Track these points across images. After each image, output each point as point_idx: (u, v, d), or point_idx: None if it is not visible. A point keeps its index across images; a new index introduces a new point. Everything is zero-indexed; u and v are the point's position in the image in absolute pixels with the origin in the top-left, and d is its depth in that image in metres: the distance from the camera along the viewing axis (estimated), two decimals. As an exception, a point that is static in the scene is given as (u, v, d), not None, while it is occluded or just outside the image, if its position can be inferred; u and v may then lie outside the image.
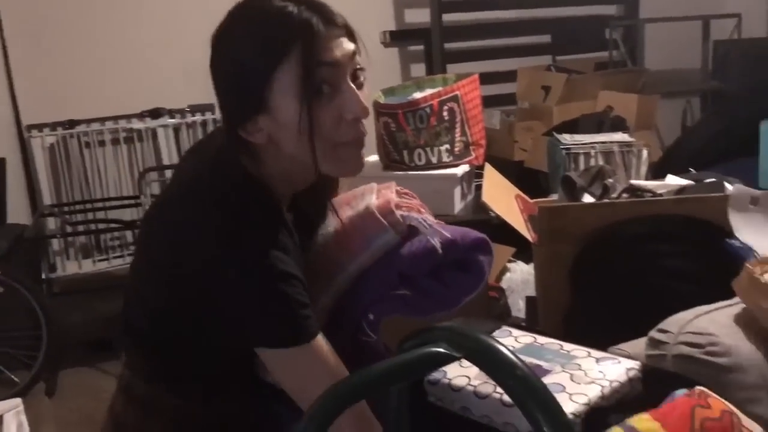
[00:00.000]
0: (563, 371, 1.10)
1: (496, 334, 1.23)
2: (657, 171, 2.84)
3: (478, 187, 2.17)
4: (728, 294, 1.43)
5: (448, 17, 4.04)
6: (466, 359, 0.61)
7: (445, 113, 1.97)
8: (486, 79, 2.90)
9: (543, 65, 4.24)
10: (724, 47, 4.47)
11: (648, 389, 1.11)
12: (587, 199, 1.95)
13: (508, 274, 2.40)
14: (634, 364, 1.13)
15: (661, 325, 1.40)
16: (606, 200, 1.85)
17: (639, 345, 1.48)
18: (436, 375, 1.13)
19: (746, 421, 0.91)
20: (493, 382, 1.07)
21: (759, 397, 1.29)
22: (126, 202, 3.59)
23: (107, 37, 3.62)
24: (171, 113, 3.72)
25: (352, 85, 0.96)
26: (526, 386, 0.57)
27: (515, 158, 3.54)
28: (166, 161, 3.67)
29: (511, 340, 1.19)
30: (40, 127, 3.54)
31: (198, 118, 3.75)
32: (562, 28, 4.48)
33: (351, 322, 1.12)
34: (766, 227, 1.60)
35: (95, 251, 3.59)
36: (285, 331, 0.95)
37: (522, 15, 4.45)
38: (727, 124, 3.42)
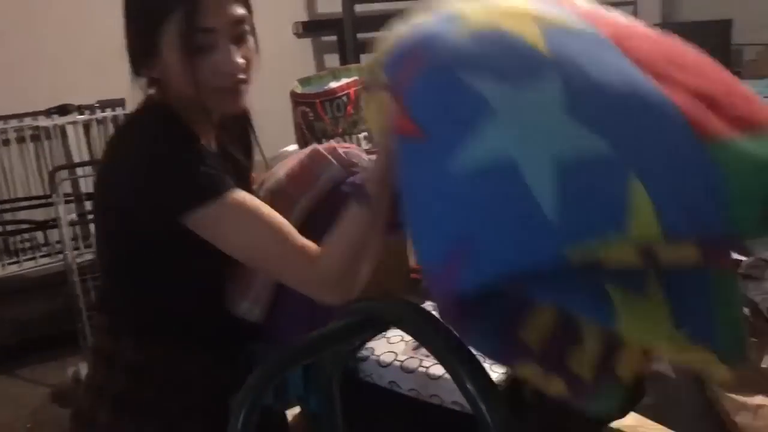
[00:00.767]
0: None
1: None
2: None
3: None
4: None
5: (360, 8, 4.08)
6: (393, 325, 0.66)
7: (362, 102, 2.02)
8: (399, 68, 2.95)
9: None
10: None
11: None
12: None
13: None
14: None
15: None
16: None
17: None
18: (364, 352, 1.19)
19: None
20: (419, 357, 1.15)
21: (659, 356, 1.41)
22: (36, 202, 3.47)
23: (9, 31, 3.47)
24: (80, 109, 3.61)
25: (231, 46, 1.06)
26: (445, 342, 0.63)
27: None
28: (76, 159, 3.56)
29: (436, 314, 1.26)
30: (-62, 126, 3.39)
31: (108, 113, 3.65)
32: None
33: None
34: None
35: (5, 255, 3.46)
36: (198, 187, 1.02)
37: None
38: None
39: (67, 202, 3.13)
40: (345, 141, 2.10)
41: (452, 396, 1.09)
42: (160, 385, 1.15)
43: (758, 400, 1.38)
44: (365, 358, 1.18)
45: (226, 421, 0.87)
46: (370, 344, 1.21)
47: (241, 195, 1.04)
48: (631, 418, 1.22)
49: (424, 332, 0.64)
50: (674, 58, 0.75)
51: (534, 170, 0.62)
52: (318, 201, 1.22)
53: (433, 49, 0.74)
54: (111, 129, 3.66)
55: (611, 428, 1.20)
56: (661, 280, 0.66)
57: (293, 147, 2.31)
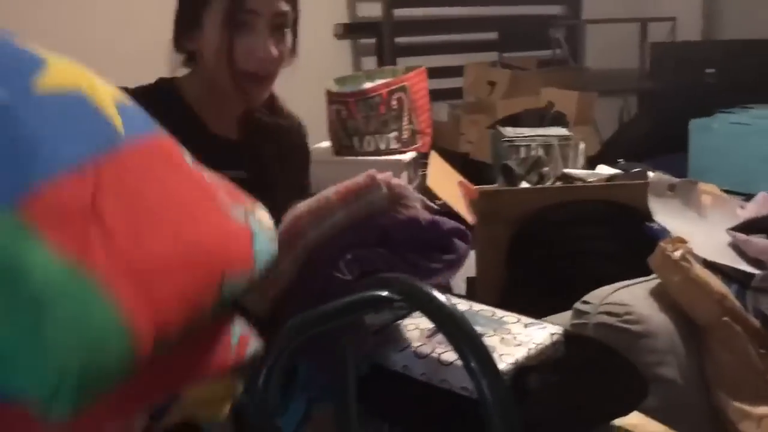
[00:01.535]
0: (494, 335, 1.20)
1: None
2: (593, 164, 3.01)
3: (424, 173, 2.29)
4: (647, 272, 1.58)
5: (399, 12, 4.15)
6: (403, 302, 0.72)
7: (393, 102, 2.09)
8: (434, 73, 3.02)
9: (489, 61, 4.39)
10: (660, 49, 4.69)
11: (569, 351, 1.24)
12: (524, 185, 2.09)
13: (451, 258, 2.52)
14: (557, 329, 1.25)
15: (585, 298, 1.55)
16: (538, 186, 1.99)
17: (565, 317, 1.63)
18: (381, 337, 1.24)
19: None
20: (432, 344, 1.20)
21: (666, 360, 1.44)
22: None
23: (54, 27, 3.60)
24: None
25: (267, 33, 1.14)
26: (454, 323, 0.69)
27: (461, 150, 3.68)
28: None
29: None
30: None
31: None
32: (509, 26, 4.63)
33: (329, 258, 1.21)
34: (680, 211, 1.76)
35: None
36: None
37: (470, 12, 4.60)
38: (660, 121, 3.63)
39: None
40: (376, 139, 2.18)
41: (462, 381, 1.13)
42: None
43: (762, 410, 1.41)
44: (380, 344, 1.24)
45: None
46: (386, 331, 1.27)
47: None
48: (635, 417, 1.25)
49: (431, 308, 0.70)
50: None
51: None
52: (353, 219, 1.22)
53: None
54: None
55: (614, 426, 1.23)
56: None
57: (326, 144, 2.40)
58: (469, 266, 2.60)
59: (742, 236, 1.67)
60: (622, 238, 1.78)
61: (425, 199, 1.33)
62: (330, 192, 1.24)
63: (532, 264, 1.81)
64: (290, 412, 1.19)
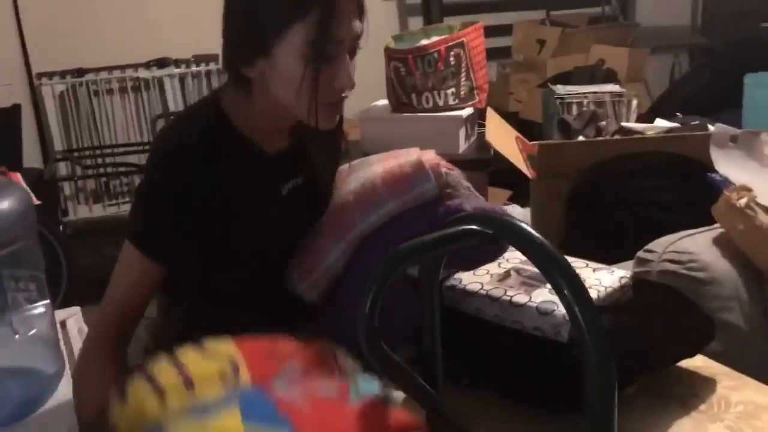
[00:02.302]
0: None
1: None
2: (645, 121, 3.00)
3: (480, 130, 2.32)
4: (708, 222, 1.61)
5: (446, -29, 4.14)
6: (496, 236, 0.77)
7: (451, 59, 2.11)
8: (483, 31, 3.02)
9: (538, 19, 4.35)
10: (713, 3, 4.59)
11: (637, 295, 1.28)
12: (581, 140, 2.11)
13: (504, 215, 2.56)
14: (625, 273, 1.29)
15: (648, 247, 1.58)
16: (598, 139, 2.00)
17: (627, 266, 1.66)
18: (452, 282, 1.29)
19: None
20: (503, 287, 1.25)
21: (731, 306, 1.47)
22: (136, 148, 3.71)
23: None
24: (177, 63, 3.82)
25: (349, 60, 1.04)
26: (543, 253, 0.73)
27: (510, 110, 3.67)
28: (172, 109, 3.78)
29: (516, 254, 1.35)
30: (50, 75, 3.64)
31: (203, 68, 3.85)
32: (557, -18, 4.58)
33: (383, 250, 1.09)
34: (742, 162, 1.77)
35: (105, 197, 3.72)
36: (133, 228, 1.08)
37: (518, -31, 4.55)
38: (713, 77, 3.57)
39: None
40: (434, 96, 2.20)
41: (534, 322, 1.18)
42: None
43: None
44: (452, 287, 1.29)
45: None
46: (458, 275, 1.32)
47: (138, 261, 1.08)
48: (700, 360, 1.28)
49: (525, 241, 0.74)
50: None
51: None
52: (402, 209, 1.23)
53: None
54: (205, 82, 3.86)
55: (679, 367, 1.27)
56: None
57: (383, 102, 2.43)
58: (527, 221, 2.65)
59: (805, 186, 1.68)
60: (683, 189, 1.79)
61: (471, 186, 1.30)
62: (377, 178, 1.24)
63: (593, 216, 1.85)
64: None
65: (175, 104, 3.81)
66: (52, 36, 3.61)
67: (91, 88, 3.66)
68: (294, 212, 1.20)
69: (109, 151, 3.71)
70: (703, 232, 1.60)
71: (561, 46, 3.74)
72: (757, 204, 1.52)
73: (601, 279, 1.25)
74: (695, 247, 1.53)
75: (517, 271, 1.28)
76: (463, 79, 2.16)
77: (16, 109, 3.38)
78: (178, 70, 3.81)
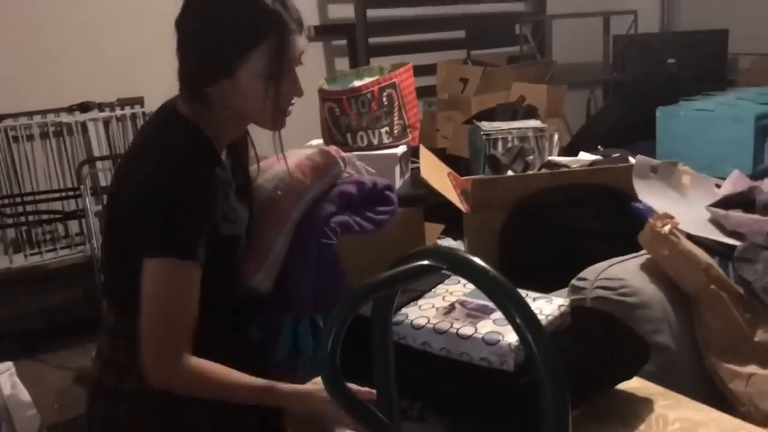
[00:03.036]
0: None
1: (445, 283, 1.43)
2: (567, 153, 3.12)
3: (414, 167, 2.37)
4: (635, 249, 1.69)
5: (371, 13, 4.23)
6: (448, 270, 0.80)
7: (384, 99, 2.16)
8: (409, 71, 3.08)
9: (459, 59, 4.49)
10: (623, 41, 4.85)
11: (575, 321, 1.32)
12: (510, 174, 2.18)
13: (438, 249, 2.60)
14: (564, 301, 1.33)
15: (581, 275, 1.64)
16: (528, 173, 2.08)
17: (561, 295, 1.71)
18: (399, 317, 1.31)
19: None
20: (449, 320, 1.27)
21: (661, 329, 1.55)
22: (60, 194, 3.61)
23: (34, 29, 3.60)
24: (100, 107, 3.75)
25: (295, 71, 1.23)
26: (496, 285, 0.76)
27: (438, 146, 3.75)
28: (96, 154, 3.69)
29: (459, 286, 1.38)
30: (-35, 121, 3.51)
31: (127, 111, 3.79)
32: (476, 24, 4.74)
33: (316, 228, 1.52)
34: (663, 191, 1.87)
35: (27, 245, 3.59)
36: (168, 240, 1.14)
37: (439, 12, 4.70)
38: (626, 110, 3.75)
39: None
40: (369, 135, 2.25)
41: (481, 353, 1.21)
42: None
43: (750, 369, 1.52)
44: (399, 322, 1.31)
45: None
46: (404, 311, 1.34)
47: (192, 271, 1.16)
48: (636, 382, 1.34)
49: (478, 274, 0.77)
50: None
51: None
52: (322, 191, 1.54)
53: None
54: (130, 126, 3.80)
55: (618, 390, 1.32)
56: None
57: (318, 141, 2.46)
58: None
59: (721, 212, 1.79)
60: (610, 218, 1.88)
61: (363, 165, 1.69)
62: (296, 171, 1.51)
63: (525, 247, 1.91)
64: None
65: (99, 149, 3.73)
66: (-32, 81, 3.50)
67: (10, 134, 3.55)
68: (244, 211, 1.35)
69: (30, 198, 3.59)
70: (631, 258, 1.68)
71: (483, 84, 3.86)
72: (679, 230, 1.61)
73: (542, 308, 1.30)
74: (625, 273, 1.60)
75: (462, 303, 1.32)
76: (396, 118, 2.21)
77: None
78: (102, 113, 3.74)
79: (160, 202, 1.15)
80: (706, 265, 1.56)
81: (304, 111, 2.21)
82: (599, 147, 2.44)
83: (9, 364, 1.41)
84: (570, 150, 3.29)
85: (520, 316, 0.76)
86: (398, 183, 2.23)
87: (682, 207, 1.83)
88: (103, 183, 3.59)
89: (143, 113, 3.80)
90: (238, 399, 1.20)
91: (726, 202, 1.84)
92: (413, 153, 2.41)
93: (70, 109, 3.70)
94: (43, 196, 3.60)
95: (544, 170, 2.11)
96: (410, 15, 4.59)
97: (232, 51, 1.16)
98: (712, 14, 4.86)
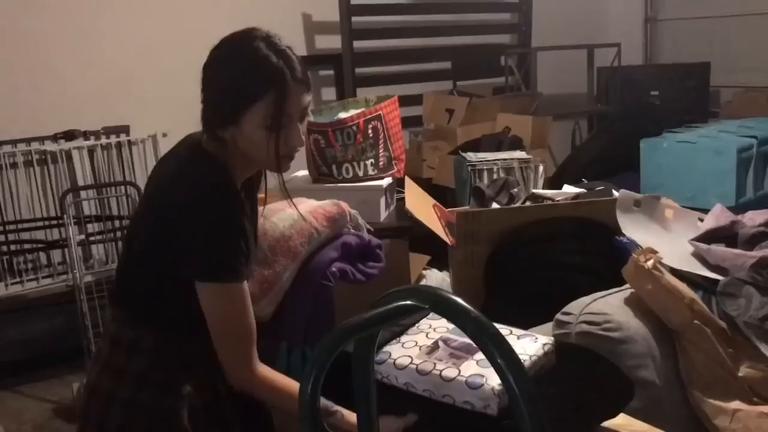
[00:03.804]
0: None
1: (429, 317, 1.42)
2: (552, 184, 3.13)
3: (399, 198, 2.37)
4: (619, 282, 1.69)
5: (358, 44, 4.26)
6: (431, 310, 0.79)
7: (370, 131, 2.17)
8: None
9: (445, 90, 4.53)
10: (607, 73, 4.91)
11: (560, 359, 1.32)
12: (495, 206, 2.18)
13: (423, 280, 2.60)
14: (548, 340, 1.33)
15: (565, 309, 1.64)
16: (513, 206, 2.09)
17: (546, 329, 1.71)
18: (382, 356, 1.30)
19: None
20: (433, 360, 1.26)
21: (645, 364, 1.54)
22: (43, 223, 3.57)
23: (17, 57, 3.60)
24: (85, 135, 3.73)
25: (299, 125, 1.32)
26: (477, 325, 0.76)
27: (424, 176, 3.76)
28: (81, 182, 3.67)
29: (443, 321, 1.37)
30: (-52, 149, 3.48)
31: (113, 139, 3.77)
32: (462, 55, 4.78)
33: (318, 269, 1.74)
34: (646, 225, 1.88)
35: (8, 275, 3.54)
36: (221, 265, 1.26)
37: (425, 43, 4.74)
38: (610, 142, 3.79)
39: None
40: (354, 167, 2.25)
41: (463, 396, 1.19)
42: (173, 364, 1.34)
43: (735, 404, 1.51)
44: (382, 362, 1.29)
45: (227, 395, 1.32)
46: (387, 348, 1.33)
47: (243, 289, 1.29)
48: (621, 418, 1.33)
49: (460, 315, 0.77)
50: None
51: None
52: (329, 239, 1.79)
53: None
54: (115, 154, 3.78)
55: (603, 427, 1.31)
56: None
57: (303, 172, 2.46)
58: (442, 287, 2.69)
59: (703, 246, 1.80)
60: (594, 252, 1.88)
61: (364, 223, 1.91)
62: (309, 216, 1.76)
63: (510, 280, 1.90)
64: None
65: (84, 177, 3.70)
66: (-48, 109, 3.48)
67: (-7, 162, 3.52)
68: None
69: (12, 227, 3.55)
70: (615, 293, 1.68)
71: (469, 115, 3.88)
72: (663, 265, 1.62)
73: (526, 348, 1.29)
74: (609, 308, 1.60)
75: (445, 341, 1.31)
76: (382, 150, 2.22)
77: None
78: (87, 142, 3.72)
79: (206, 233, 1.26)
80: (689, 300, 1.56)
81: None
82: (583, 180, 2.45)
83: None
84: (555, 180, 3.31)
85: (502, 358, 0.76)
86: (383, 215, 2.23)
87: (666, 241, 1.83)
88: (87, 212, 3.57)
89: (129, 141, 3.78)
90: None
91: (708, 237, 1.85)
92: (399, 184, 2.41)
93: (55, 137, 3.67)
94: (25, 225, 3.56)
95: (528, 203, 2.11)
96: (397, 46, 4.63)
97: (236, 102, 1.27)
98: (693, 47, 4.94)
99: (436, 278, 2.68)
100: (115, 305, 1.42)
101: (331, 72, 4.44)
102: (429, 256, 2.68)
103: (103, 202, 3.64)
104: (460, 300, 0.79)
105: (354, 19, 4.21)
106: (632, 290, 1.65)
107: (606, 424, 1.31)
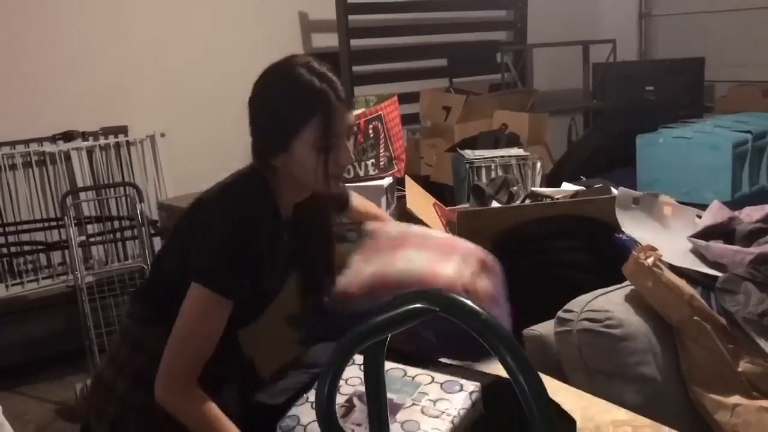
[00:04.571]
0: (413, 404, 1.21)
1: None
2: (549, 181, 3.16)
3: (400, 197, 2.39)
4: (619, 279, 1.71)
5: (355, 42, 4.28)
6: (441, 313, 0.81)
7: (370, 131, 2.18)
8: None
9: (442, 87, 4.54)
10: (602, 69, 4.94)
11: (487, 406, 1.24)
12: (495, 205, 2.20)
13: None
14: (474, 386, 1.24)
15: (566, 307, 1.66)
16: (513, 204, 2.10)
17: (548, 326, 1.73)
18: (289, 423, 1.23)
19: None
20: (350, 427, 1.18)
21: (647, 360, 1.56)
22: (42, 224, 3.58)
23: (15, 58, 3.60)
24: (84, 136, 3.74)
25: (348, 143, 1.36)
26: (489, 328, 0.78)
27: (422, 173, 3.78)
28: (80, 183, 3.68)
29: (355, 370, 1.30)
30: (-54, 151, 3.49)
31: (111, 140, 3.78)
32: (458, 52, 4.80)
33: (384, 294, 1.45)
34: (645, 222, 1.90)
35: (8, 276, 3.55)
36: (214, 274, 1.27)
37: (421, 41, 4.75)
38: (607, 138, 3.80)
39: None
40: (355, 167, 2.27)
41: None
42: None
43: (735, 399, 1.54)
44: (290, 428, 1.22)
45: (226, 400, 1.30)
46: (294, 411, 1.26)
47: (225, 306, 1.28)
48: (624, 414, 1.35)
49: (470, 317, 0.79)
50: None
51: None
52: None
53: None
54: (113, 155, 3.79)
55: (606, 421, 1.33)
56: None
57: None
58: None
59: (702, 242, 1.82)
60: (594, 249, 1.90)
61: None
62: (419, 275, 1.47)
63: (511, 278, 1.92)
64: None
65: (82, 178, 3.71)
66: (-50, 111, 3.48)
67: (-8, 164, 3.53)
68: (288, 270, 1.47)
69: (12, 228, 3.55)
70: (616, 290, 1.70)
71: (466, 112, 3.90)
72: (662, 262, 1.64)
73: (452, 401, 1.21)
74: (610, 305, 1.62)
75: (360, 398, 1.24)
76: (382, 150, 2.24)
77: None
78: (86, 143, 3.73)
79: (218, 239, 1.28)
80: (689, 297, 1.59)
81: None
82: (582, 177, 2.47)
83: (-6, 401, 1.39)
84: (552, 177, 3.33)
85: (513, 359, 0.77)
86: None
87: (664, 238, 1.85)
88: (86, 213, 3.58)
89: (127, 142, 3.79)
90: None
91: (707, 233, 1.87)
92: (399, 183, 2.43)
93: (53, 139, 3.68)
94: (25, 226, 3.57)
95: (528, 201, 2.13)
96: (393, 44, 4.65)
97: (286, 128, 1.31)
98: (688, 43, 4.97)
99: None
100: (134, 300, 1.48)
101: (328, 70, 4.45)
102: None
103: (102, 203, 3.66)
104: (470, 302, 0.81)
105: (350, 17, 4.22)
106: (632, 287, 1.67)
107: (609, 419, 1.32)
